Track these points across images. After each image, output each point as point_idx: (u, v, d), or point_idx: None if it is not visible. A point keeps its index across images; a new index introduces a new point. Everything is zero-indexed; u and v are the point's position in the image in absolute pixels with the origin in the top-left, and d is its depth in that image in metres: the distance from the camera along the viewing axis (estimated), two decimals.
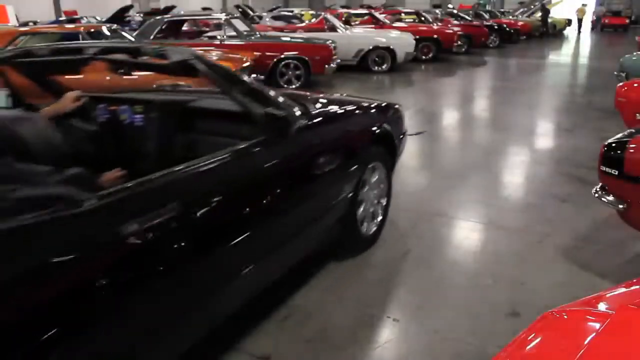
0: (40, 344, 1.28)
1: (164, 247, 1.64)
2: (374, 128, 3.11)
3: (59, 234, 1.40)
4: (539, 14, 25.17)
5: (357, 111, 3.14)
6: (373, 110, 3.30)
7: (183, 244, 1.70)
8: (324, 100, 3.25)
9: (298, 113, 2.42)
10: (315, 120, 2.59)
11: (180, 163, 1.81)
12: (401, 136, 3.51)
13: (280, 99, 2.37)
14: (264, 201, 2.16)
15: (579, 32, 29.13)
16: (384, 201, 3.31)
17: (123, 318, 1.52)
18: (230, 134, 2.30)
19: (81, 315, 1.39)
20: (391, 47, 11.23)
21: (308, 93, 3.42)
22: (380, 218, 3.28)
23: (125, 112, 2.61)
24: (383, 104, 3.43)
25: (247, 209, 2.05)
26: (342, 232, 2.89)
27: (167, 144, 2.56)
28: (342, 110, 3.06)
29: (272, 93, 2.38)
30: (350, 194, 2.82)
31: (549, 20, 25.36)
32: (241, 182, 2.04)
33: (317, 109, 2.87)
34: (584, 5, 31.00)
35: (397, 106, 3.54)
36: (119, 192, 1.56)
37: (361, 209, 3.00)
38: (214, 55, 7.43)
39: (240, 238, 1.97)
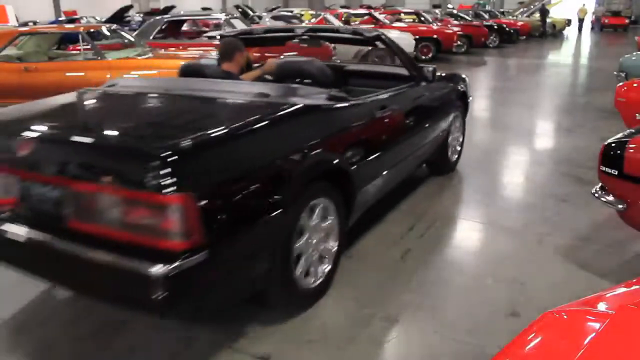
0: (342, 168, 2.67)
1: (379, 127, 3.16)
2: (459, 87, 4.62)
3: (341, 112, 2.83)
4: (537, 15, 25.20)
5: (452, 77, 4.68)
6: (457, 77, 4.73)
7: (388, 129, 3.26)
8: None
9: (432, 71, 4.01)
10: (437, 78, 4.13)
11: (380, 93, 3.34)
12: (470, 97, 4.96)
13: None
14: (420, 111, 3.79)
15: (580, 31, 29.16)
16: (461, 139, 4.83)
17: (372, 158, 3.00)
18: (395, 80, 3.93)
19: (348, 153, 2.76)
20: None
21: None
22: (459, 149, 4.82)
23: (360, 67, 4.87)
24: (462, 75, 4.88)
25: (414, 116, 3.63)
26: (438, 156, 4.38)
27: (371, 84, 4.12)
28: (445, 74, 4.57)
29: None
30: (446, 131, 4.32)
31: (549, 20, 25.38)
32: (411, 101, 3.71)
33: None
34: (584, 5, 31.04)
35: (465, 76, 4.88)
36: (358, 99, 3.02)
37: (449, 139, 4.46)
38: (213, 55, 7.42)
39: (406, 132, 3.54)
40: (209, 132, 2.10)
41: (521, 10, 27.46)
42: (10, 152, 2.18)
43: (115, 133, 2.28)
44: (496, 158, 5.36)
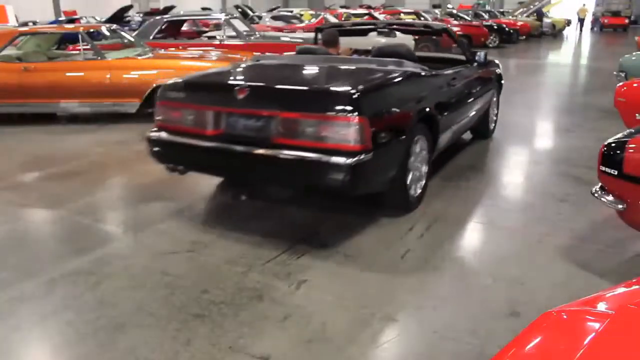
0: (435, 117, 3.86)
1: (451, 93, 4.31)
2: (497, 71, 5.86)
3: (430, 79, 4.05)
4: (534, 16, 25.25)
5: (491, 62, 5.70)
6: (494, 63, 5.90)
7: (456, 95, 4.42)
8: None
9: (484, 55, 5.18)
10: (482, 62, 5.20)
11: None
12: (502, 80, 6.13)
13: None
14: (473, 85, 4.95)
15: (580, 31, 29.19)
16: (496, 112, 6.11)
17: (451, 112, 4.26)
18: (451, 63, 5.21)
19: (435, 107, 3.89)
20: None
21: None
22: (495, 119, 6.08)
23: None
24: (496, 61, 6.04)
25: (470, 89, 4.82)
26: (481, 123, 5.60)
27: (434, 67, 4.53)
28: (489, 60, 5.55)
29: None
30: (487, 103, 5.52)
31: (549, 20, 25.40)
32: (468, 77, 4.84)
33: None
34: (584, 5, 31.05)
35: (498, 62, 6.06)
36: (438, 72, 4.21)
37: (491, 113, 5.78)
38: (213, 55, 7.43)
39: (466, 99, 4.72)
40: (369, 83, 3.45)
41: (521, 10, 27.48)
42: (220, 98, 3.44)
43: (308, 82, 3.85)
44: (495, 157, 5.36)
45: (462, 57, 5.22)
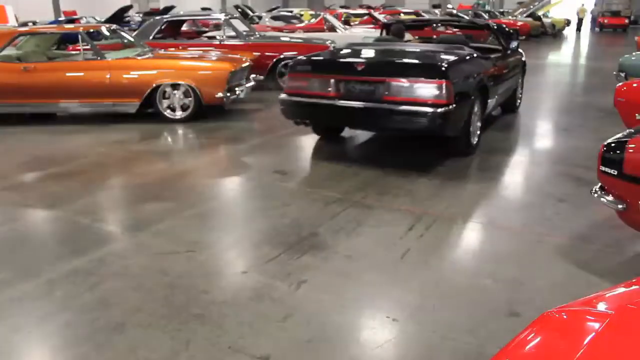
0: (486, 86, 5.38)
1: (496, 71, 5.73)
2: (523, 59, 7.39)
3: (482, 60, 5.49)
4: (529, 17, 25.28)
5: (517, 50, 7.10)
6: (520, 51, 7.24)
7: (498, 73, 5.85)
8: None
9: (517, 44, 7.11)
10: (513, 50, 6.71)
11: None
12: (526, 66, 7.67)
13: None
14: (508, 67, 6.30)
15: (579, 30, 29.20)
16: (521, 91, 7.62)
17: (495, 85, 5.71)
18: (488, 50, 6.22)
19: (487, 80, 5.38)
20: None
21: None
22: (520, 96, 7.62)
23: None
24: (521, 50, 7.41)
25: (506, 70, 6.17)
26: (510, 99, 7.01)
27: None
28: (518, 49, 7.16)
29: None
30: (515, 83, 6.89)
31: (549, 20, 25.41)
32: (505, 61, 6.19)
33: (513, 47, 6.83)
34: (583, 5, 31.03)
35: (521, 50, 7.38)
36: (486, 56, 5.72)
37: (517, 91, 7.23)
38: (213, 55, 7.43)
39: (503, 77, 6.06)
40: (450, 60, 4.78)
41: (520, 10, 27.46)
42: (341, 70, 4.92)
43: (408, 58, 5.15)
44: (495, 157, 5.36)
45: (499, 47, 6.51)
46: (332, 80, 4.84)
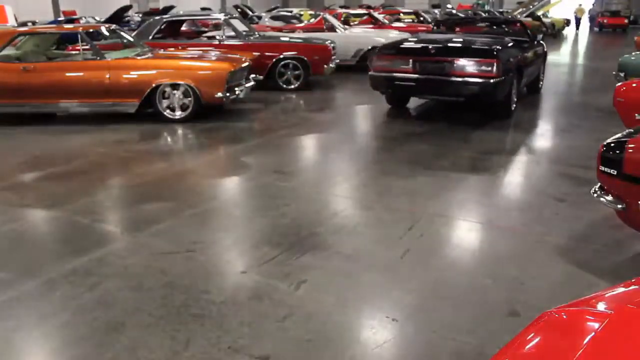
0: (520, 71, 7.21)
1: (526, 57, 7.47)
2: (545, 49, 8.95)
3: (517, 47, 7.32)
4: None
5: (539, 41, 8.88)
6: (541, 42, 8.81)
7: (528, 58, 7.59)
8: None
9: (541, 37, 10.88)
10: (537, 42, 8.61)
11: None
12: (546, 55, 9.34)
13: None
14: (534, 54, 7.93)
15: (577, 29, 29.25)
16: (543, 76, 9.15)
17: (526, 66, 7.54)
18: (525, 42, 7.96)
19: (521, 62, 7.23)
20: None
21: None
22: (542, 80, 9.14)
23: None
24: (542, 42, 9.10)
25: (532, 56, 7.84)
26: (534, 82, 8.68)
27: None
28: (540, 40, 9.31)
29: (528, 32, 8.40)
30: (538, 68, 8.54)
31: (549, 20, 25.43)
32: (531, 49, 7.87)
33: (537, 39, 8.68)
34: (580, 5, 31.08)
35: (542, 42, 9.06)
36: (520, 44, 7.65)
37: (540, 75, 8.90)
38: (212, 55, 7.43)
39: (531, 61, 7.80)
40: (499, 45, 6.66)
41: (520, 10, 27.44)
42: (419, 52, 6.74)
43: (467, 44, 6.87)
44: (494, 157, 5.36)
45: (526, 39, 7.97)
46: (411, 60, 6.61)
